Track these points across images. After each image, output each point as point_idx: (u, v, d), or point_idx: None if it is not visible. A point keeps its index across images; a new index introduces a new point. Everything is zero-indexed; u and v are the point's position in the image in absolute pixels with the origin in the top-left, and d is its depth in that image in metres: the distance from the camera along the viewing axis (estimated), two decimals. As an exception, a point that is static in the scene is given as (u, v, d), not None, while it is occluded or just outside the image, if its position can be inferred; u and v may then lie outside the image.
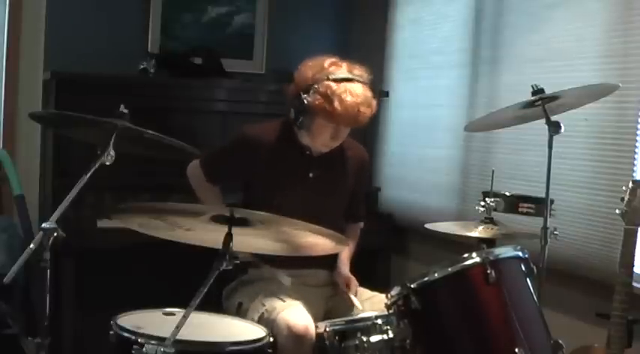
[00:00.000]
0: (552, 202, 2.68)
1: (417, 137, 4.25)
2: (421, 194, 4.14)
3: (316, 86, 2.79)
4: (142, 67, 4.15)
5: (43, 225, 2.13)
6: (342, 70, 2.83)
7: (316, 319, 2.70)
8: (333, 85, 2.78)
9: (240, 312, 2.82)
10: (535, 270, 2.44)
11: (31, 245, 2.11)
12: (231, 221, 2.08)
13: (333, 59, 2.87)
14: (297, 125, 2.88)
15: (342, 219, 3.11)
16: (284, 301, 2.75)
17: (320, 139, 2.89)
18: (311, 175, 2.97)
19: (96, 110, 2.31)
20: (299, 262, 2.87)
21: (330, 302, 3.00)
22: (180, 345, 2.06)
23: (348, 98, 2.76)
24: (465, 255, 2.36)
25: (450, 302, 2.36)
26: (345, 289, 2.95)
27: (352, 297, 2.92)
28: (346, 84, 2.79)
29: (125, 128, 2.27)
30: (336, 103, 2.75)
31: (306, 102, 2.80)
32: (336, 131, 2.87)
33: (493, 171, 2.94)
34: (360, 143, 3.17)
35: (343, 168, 3.06)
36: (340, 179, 3.05)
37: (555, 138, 2.60)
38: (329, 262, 3.02)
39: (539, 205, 2.80)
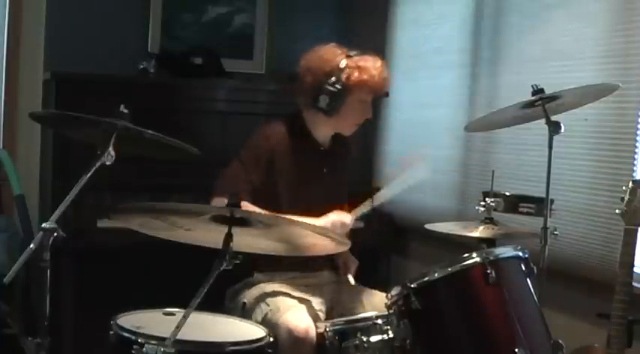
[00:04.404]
0: (552, 202, 2.68)
1: (417, 137, 4.25)
2: (421, 194, 4.13)
3: (342, 66, 2.90)
4: (142, 67, 4.15)
5: (43, 225, 2.13)
6: (346, 49, 2.99)
7: (320, 317, 2.73)
8: (356, 58, 2.94)
9: (244, 313, 2.83)
10: (535, 270, 2.44)
11: (31, 245, 2.11)
12: (231, 221, 2.08)
13: (333, 44, 3.00)
14: (328, 112, 2.92)
15: None
16: (287, 302, 2.76)
17: (352, 118, 2.99)
18: (325, 170, 3.03)
19: (96, 110, 2.31)
20: (301, 265, 2.89)
21: (333, 300, 3.00)
22: (180, 345, 2.06)
23: (377, 64, 2.96)
24: (465, 255, 2.36)
25: (450, 302, 2.36)
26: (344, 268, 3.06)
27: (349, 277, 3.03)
28: (362, 56, 2.97)
29: (125, 128, 2.27)
30: (372, 70, 2.92)
31: (341, 81, 2.88)
32: (366, 106, 2.99)
33: (493, 171, 2.94)
34: (360, 143, 3.20)
35: (345, 159, 3.15)
36: (345, 171, 3.14)
37: (555, 138, 2.60)
38: (331, 262, 3.03)
39: (539, 205, 2.80)
